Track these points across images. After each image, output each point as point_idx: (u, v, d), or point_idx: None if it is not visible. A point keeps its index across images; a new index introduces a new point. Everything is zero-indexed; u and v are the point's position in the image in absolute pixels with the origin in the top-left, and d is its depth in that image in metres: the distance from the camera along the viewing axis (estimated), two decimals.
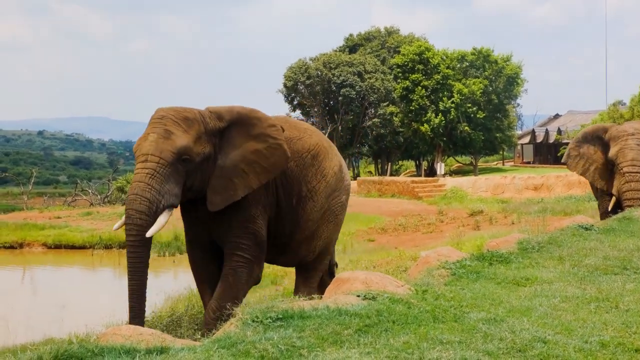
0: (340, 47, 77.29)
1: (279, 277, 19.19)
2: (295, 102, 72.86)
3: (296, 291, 12.36)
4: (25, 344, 9.54)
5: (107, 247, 29.41)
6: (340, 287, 8.30)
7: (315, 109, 71.11)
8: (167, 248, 27.94)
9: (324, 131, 70.00)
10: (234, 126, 10.50)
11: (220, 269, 10.71)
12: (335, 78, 67.67)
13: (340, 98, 68.02)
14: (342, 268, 17.49)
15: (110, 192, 54.13)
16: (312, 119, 72.89)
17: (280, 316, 6.86)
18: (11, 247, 30.52)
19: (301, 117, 73.76)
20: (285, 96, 72.65)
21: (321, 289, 11.92)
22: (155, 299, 14.10)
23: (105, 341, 6.56)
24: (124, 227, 9.79)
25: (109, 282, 23.86)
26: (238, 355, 5.93)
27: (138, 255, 9.59)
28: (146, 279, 9.69)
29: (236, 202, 10.31)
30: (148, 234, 9.47)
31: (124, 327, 7.21)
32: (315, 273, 12.79)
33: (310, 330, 6.52)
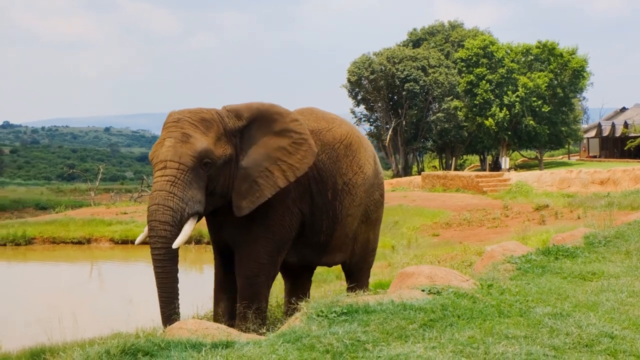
0: (403, 41, 77.07)
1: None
2: (359, 97, 72.85)
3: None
4: (93, 338, 9.65)
5: None
6: (404, 281, 8.29)
7: (379, 104, 71.04)
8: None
9: (387, 126, 70.03)
10: (254, 124, 9.87)
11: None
12: (399, 73, 67.53)
13: (404, 93, 67.88)
14: (407, 263, 17.49)
15: None
16: (376, 114, 72.91)
17: (345, 310, 6.88)
18: (79, 242, 30.84)
19: (365, 112, 73.78)
20: (349, 91, 72.68)
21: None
22: None
23: (171, 335, 6.63)
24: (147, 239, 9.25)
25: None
26: (303, 350, 5.95)
27: (165, 270, 8.99)
28: (177, 293, 9.07)
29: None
30: (174, 246, 8.89)
31: (190, 321, 7.26)
32: (364, 274, 12.08)
33: (375, 325, 6.53)
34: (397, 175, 68.52)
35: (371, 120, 74.49)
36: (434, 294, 7.58)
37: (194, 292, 10.93)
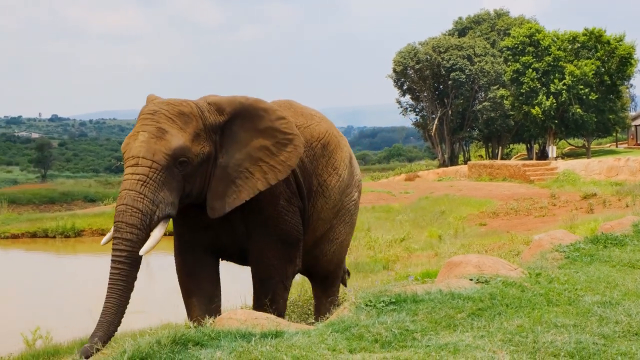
0: (449, 30, 76.74)
1: (390, 262, 19.18)
2: (404, 87, 72.68)
3: (318, 303, 11.26)
4: (144, 328, 9.75)
5: None
6: (452, 270, 8.30)
7: (425, 94, 70.83)
8: None
9: (433, 116, 69.87)
10: (236, 120, 9.05)
11: (212, 277, 9.56)
12: (444, 62, 67.29)
13: (449, 82, 67.64)
14: (454, 252, 17.45)
15: None
16: (421, 104, 72.74)
17: (393, 300, 6.90)
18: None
19: (410, 102, 73.60)
20: (394, 81, 72.50)
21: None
22: None
23: (221, 325, 6.69)
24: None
25: (224, 267, 24.13)
26: (352, 339, 5.98)
27: (123, 273, 8.03)
28: (126, 303, 8.08)
29: (251, 203, 9.01)
30: (142, 252, 8.07)
31: (239, 311, 7.33)
32: (335, 281, 11.37)
33: (424, 314, 6.55)
34: (443, 165, 68.31)
35: (417, 110, 74.28)
36: (482, 283, 7.58)
37: (241, 282, 10.94)
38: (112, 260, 8.06)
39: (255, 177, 8.94)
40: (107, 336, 7.78)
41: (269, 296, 9.26)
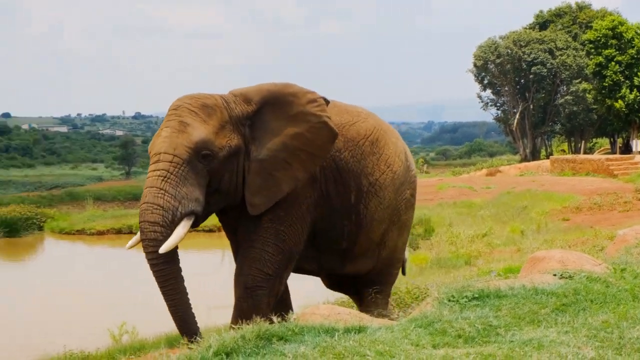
0: (530, 24, 75.95)
1: (472, 258, 19.10)
2: (485, 82, 72.14)
3: (366, 311, 9.70)
4: (227, 323, 9.85)
5: None
6: (535, 266, 8.26)
7: (506, 88, 70.21)
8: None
9: (514, 110, 69.25)
10: (266, 108, 8.71)
11: None
12: (525, 56, 66.64)
13: (531, 76, 66.98)
14: (536, 247, 17.30)
15: None
16: (502, 98, 72.12)
17: (476, 295, 6.89)
18: (210, 230, 31.34)
19: (491, 96, 73.03)
20: (475, 76, 72.00)
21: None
22: None
23: (304, 321, 6.73)
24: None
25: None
26: (435, 334, 5.99)
27: (164, 273, 8.08)
28: (185, 294, 8.21)
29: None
30: (161, 250, 7.86)
31: (322, 306, 7.36)
32: (388, 287, 10.80)
33: (507, 310, 6.53)
34: (524, 159, 67.66)
35: (498, 104, 73.64)
36: (566, 278, 7.53)
37: (316, 280, 10.95)
38: (148, 264, 8.08)
39: (294, 167, 8.65)
40: (192, 331, 8.01)
41: (251, 309, 8.55)
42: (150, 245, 7.94)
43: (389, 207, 9.82)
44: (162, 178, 7.95)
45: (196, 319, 8.32)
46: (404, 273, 11.43)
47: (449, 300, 6.82)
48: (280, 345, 5.93)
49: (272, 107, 8.72)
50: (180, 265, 8.18)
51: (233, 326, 7.96)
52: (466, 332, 5.96)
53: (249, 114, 8.63)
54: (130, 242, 8.54)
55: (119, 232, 32.26)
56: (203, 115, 8.25)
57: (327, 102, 8.99)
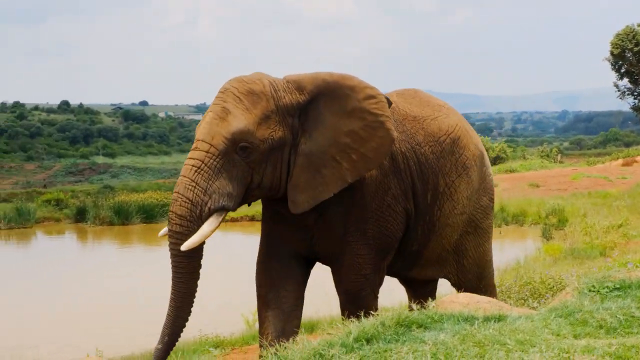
0: None
1: (608, 249, 18.81)
2: (622, 70, 70.70)
3: None
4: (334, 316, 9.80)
5: None
6: None
7: None
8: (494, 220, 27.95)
9: None
10: (320, 99, 7.87)
11: (296, 292, 8.35)
12: None
13: None
14: None
15: None
16: None
17: (618, 286, 6.82)
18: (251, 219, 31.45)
19: (629, 85, 71.51)
20: (612, 64, 70.63)
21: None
22: None
23: (443, 309, 6.78)
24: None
25: None
26: (575, 324, 5.97)
27: (182, 266, 7.53)
28: (192, 294, 7.64)
29: (355, 196, 8.05)
30: (183, 248, 7.29)
31: (462, 294, 7.40)
32: (488, 292, 9.59)
33: None
34: None
35: (635, 93, 72.14)
36: None
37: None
38: (170, 253, 7.55)
39: (343, 167, 7.81)
40: (174, 334, 7.58)
41: (359, 309, 7.66)
42: (174, 237, 7.43)
43: (463, 213, 8.98)
44: (195, 169, 7.38)
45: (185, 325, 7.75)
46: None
47: (590, 291, 6.77)
48: (419, 332, 5.96)
49: (326, 99, 7.89)
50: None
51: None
52: (607, 323, 5.92)
53: (300, 104, 7.81)
54: (162, 232, 7.83)
55: (252, 219, 32.51)
56: (247, 103, 7.58)
57: (389, 102, 8.11)
